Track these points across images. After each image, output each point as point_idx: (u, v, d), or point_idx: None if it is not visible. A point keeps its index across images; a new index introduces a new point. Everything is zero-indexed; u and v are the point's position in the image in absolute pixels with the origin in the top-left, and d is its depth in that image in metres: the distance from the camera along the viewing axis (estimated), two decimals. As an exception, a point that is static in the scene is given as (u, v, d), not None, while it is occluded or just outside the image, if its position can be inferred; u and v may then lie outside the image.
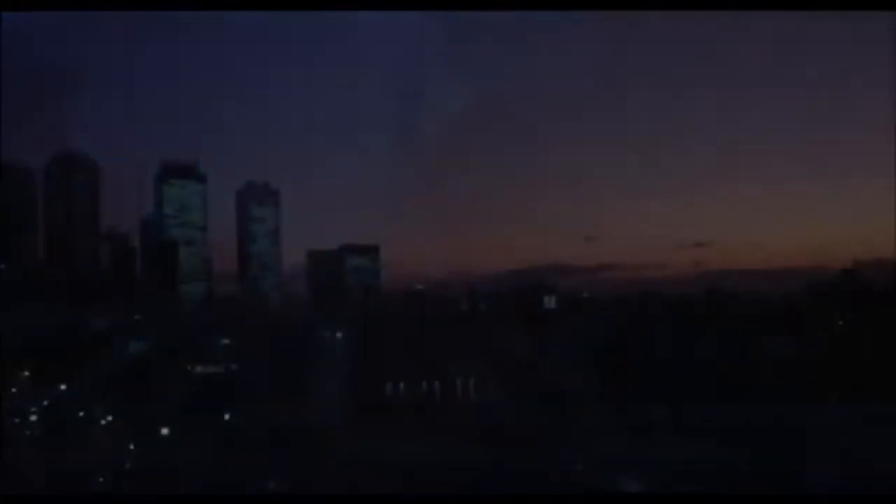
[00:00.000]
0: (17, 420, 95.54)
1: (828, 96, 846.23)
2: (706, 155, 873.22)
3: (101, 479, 67.37)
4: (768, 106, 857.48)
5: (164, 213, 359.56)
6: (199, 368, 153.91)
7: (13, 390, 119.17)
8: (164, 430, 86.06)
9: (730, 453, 68.68)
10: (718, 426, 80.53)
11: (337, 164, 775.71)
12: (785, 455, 68.43)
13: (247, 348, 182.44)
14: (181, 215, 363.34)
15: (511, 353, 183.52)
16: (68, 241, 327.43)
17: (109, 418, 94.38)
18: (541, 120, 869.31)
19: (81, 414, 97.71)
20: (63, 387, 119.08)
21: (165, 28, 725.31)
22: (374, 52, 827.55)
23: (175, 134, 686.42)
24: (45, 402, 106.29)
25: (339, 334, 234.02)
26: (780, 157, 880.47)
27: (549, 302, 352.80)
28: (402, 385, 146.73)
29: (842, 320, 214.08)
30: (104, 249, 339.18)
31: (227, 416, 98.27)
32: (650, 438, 76.22)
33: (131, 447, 79.76)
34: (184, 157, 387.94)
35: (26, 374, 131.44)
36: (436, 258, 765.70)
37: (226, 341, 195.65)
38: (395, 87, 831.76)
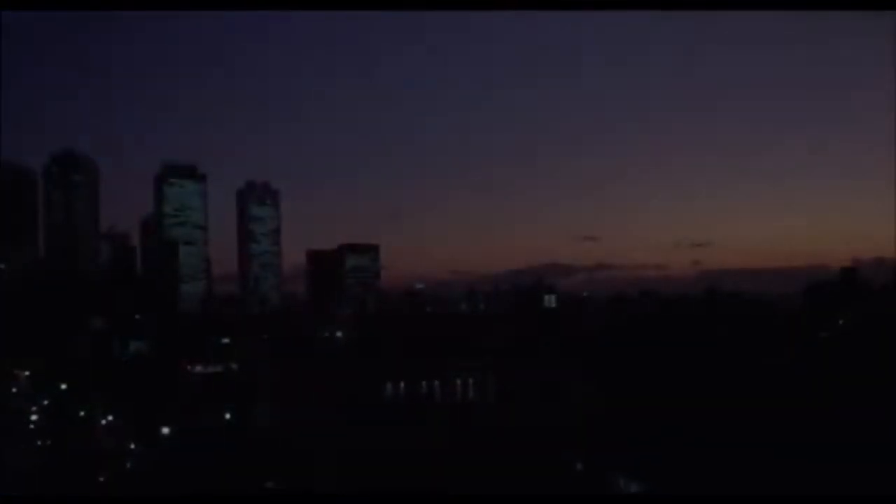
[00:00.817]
0: (16, 419, 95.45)
1: (828, 96, 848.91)
2: (706, 155, 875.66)
3: (100, 479, 67.29)
4: (768, 106, 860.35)
5: (164, 212, 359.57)
6: (198, 368, 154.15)
7: (13, 390, 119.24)
8: (165, 430, 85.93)
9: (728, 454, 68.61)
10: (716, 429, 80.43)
11: (337, 164, 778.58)
12: (783, 455, 68.48)
13: (246, 347, 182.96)
14: (181, 215, 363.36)
15: (510, 351, 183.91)
16: (68, 240, 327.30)
17: (110, 417, 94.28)
18: (541, 121, 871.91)
19: (82, 413, 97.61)
20: (63, 386, 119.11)
21: (165, 28, 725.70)
22: (375, 51, 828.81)
23: (175, 134, 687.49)
24: (45, 402, 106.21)
25: (338, 333, 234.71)
26: (780, 157, 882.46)
27: (550, 301, 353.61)
28: (401, 384, 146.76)
29: (842, 319, 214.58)
30: (104, 249, 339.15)
31: (227, 416, 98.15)
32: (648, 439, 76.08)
33: (132, 446, 79.70)
34: (184, 157, 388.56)
35: (26, 373, 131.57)
36: (436, 258, 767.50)
37: (225, 340, 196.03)
38: (400, 86, 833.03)
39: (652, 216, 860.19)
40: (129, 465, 73.73)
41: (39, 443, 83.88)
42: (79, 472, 68.58)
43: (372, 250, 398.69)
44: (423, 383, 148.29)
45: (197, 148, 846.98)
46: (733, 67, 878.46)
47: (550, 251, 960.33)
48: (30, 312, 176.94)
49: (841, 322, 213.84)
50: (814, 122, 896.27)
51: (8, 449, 78.24)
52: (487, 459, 69.29)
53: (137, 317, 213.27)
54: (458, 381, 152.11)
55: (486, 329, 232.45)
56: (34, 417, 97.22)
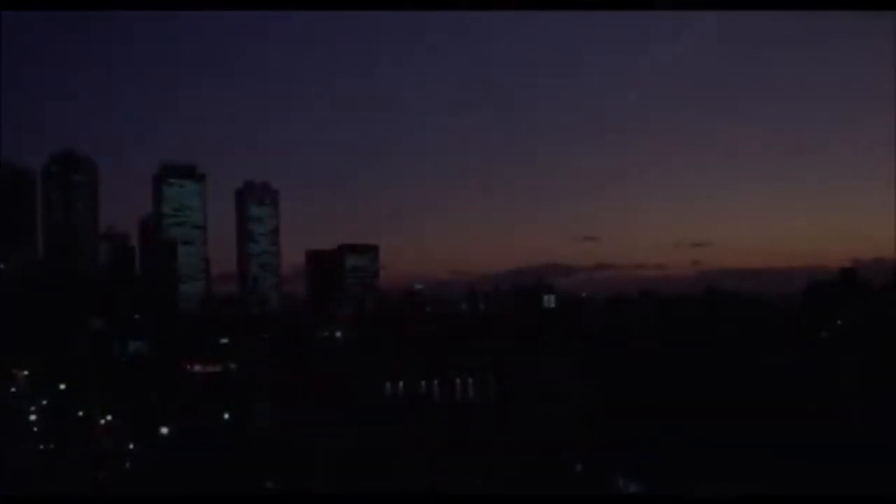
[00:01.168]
0: (14, 420, 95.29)
1: (828, 96, 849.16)
2: (706, 155, 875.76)
3: (99, 479, 67.19)
4: (768, 106, 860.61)
5: (163, 212, 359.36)
6: (197, 368, 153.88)
7: (12, 390, 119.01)
8: (164, 430, 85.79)
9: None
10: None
11: (337, 164, 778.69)
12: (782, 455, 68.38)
13: (245, 347, 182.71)
14: (180, 215, 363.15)
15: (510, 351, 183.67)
16: (67, 240, 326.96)
17: (109, 417, 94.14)
18: (541, 120, 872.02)
19: (80, 413, 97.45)
20: (62, 386, 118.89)
21: (165, 28, 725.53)
22: (375, 51, 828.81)
23: (174, 134, 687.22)
24: (44, 402, 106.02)
25: (338, 333, 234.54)
26: (780, 157, 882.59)
27: (549, 301, 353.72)
28: (401, 384, 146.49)
29: (842, 320, 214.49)
30: (103, 249, 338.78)
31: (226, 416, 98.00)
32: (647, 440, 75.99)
33: (130, 446, 79.59)
34: (183, 157, 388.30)
35: (25, 373, 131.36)
36: (436, 258, 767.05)
37: (224, 340, 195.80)
38: (400, 86, 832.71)
39: (652, 216, 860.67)
40: (127, 465, 73.60)
41: (38, 443, 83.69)
42: (77, 472, 68.44)
43: (371, 250, 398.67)
44: (423, 383, 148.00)
45: (196, 148, 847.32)
46: (733, 67, 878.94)
47: (550, 251, 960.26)
48: (29, 312, 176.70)
49: (841, 322, 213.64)
50: (814, 122, 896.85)
51: (7, 449, 78.05)
52: (487, 459, 69.19)
53: (137, 317, 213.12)
54: (458, 381, 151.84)
55: (486, 329, 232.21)
56: (33, 417, 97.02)
